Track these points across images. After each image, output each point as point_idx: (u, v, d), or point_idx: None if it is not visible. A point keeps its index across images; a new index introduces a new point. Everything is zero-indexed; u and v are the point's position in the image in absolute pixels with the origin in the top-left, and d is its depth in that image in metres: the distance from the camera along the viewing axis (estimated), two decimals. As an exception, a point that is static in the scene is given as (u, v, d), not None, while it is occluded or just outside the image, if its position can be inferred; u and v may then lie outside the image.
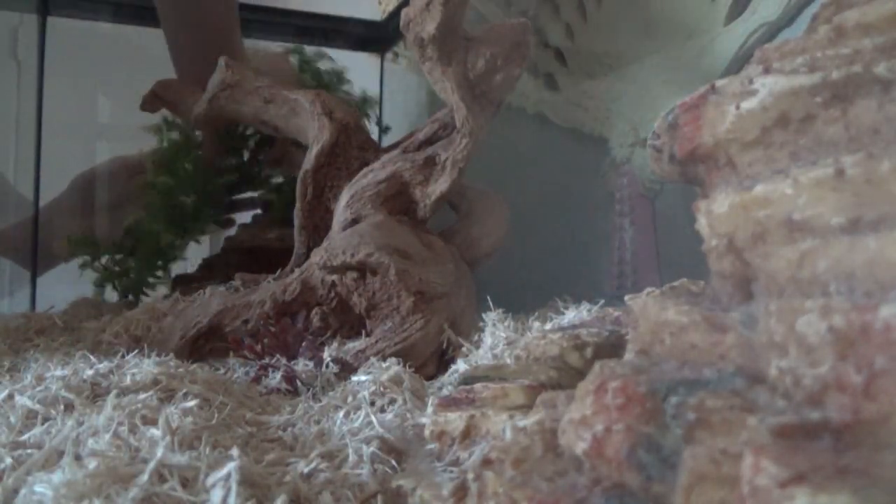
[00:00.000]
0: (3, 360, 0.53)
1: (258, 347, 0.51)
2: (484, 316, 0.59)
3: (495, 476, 0.23)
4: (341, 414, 0.39)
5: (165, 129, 0.88)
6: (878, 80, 0.22)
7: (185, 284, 0.84)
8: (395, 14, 1.13)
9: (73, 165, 1.08)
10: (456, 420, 0.32)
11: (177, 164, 0.84)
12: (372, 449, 0.33)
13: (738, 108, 0.24)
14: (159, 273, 0.85)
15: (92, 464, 0.28)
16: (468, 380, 0.36)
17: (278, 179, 0.91)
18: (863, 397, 0.18)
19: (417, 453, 0.33)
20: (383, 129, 1.03)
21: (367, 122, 0.99)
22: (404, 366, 0.47)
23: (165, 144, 0.87)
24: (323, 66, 0.99)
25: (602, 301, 0.61)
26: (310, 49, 1.01)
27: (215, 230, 0.88)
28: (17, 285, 1.02)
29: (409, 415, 0.39)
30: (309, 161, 0.67)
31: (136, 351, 0.56)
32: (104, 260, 0.86)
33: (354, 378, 0.46)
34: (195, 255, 0.90)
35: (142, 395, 0.37)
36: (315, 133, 0.68)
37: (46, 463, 0.30)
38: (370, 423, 0.37)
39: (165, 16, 0.86)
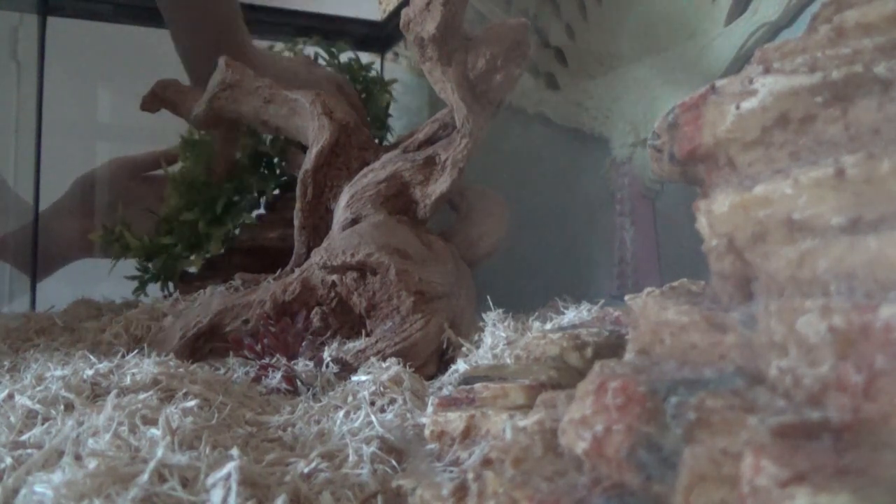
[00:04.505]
0: (3, 360, 0.53)
1: (258, 347, 0.51)
2: (484, 316, 0.59)
3: (495, 476, 0.23)
4: (341, 414, 0.39)
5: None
6: (878, 79, 0.22)
7: (186, 284, 0.84)
8: (395, 14, 1.13)
9: (73, 166, 1.08)
10: (456, 420, 0.32)
11: (208, 157, 0.86)
12: (372, 449, 0.33)
13: (738, 108, 0.24)
14: (193, 257, 0.85)
15: (92, 464, 0.28)
16: (468, 380, 0.36)
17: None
18: (863, 397, 0.18)
19: (417, 453, 0.33)
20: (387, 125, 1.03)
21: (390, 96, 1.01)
22: (404, 366, 0.47)
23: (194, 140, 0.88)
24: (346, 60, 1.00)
25: (602, 301, 0.60)
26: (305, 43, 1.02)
27: (251, 220, 0.88)
28: (17, 288, 1.02)
29: (409, 415, 0.39)
30: (309, 161, 0.67)
31: (136, 351, 0.56)
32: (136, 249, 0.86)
33: (354, 378, 0.46)
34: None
35: (142, 395, 0.37)
36: (315, 133, 0.68)
37: (46, 463, 0.30)
38: (370, 423, 0.37)
39: (170, 19, 0.86)
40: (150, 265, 0.86)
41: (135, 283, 0.87)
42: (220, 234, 0.85)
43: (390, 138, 1.02)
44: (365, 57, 1.15)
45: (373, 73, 1.02)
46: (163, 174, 0.94)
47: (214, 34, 0.84)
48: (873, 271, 0.19)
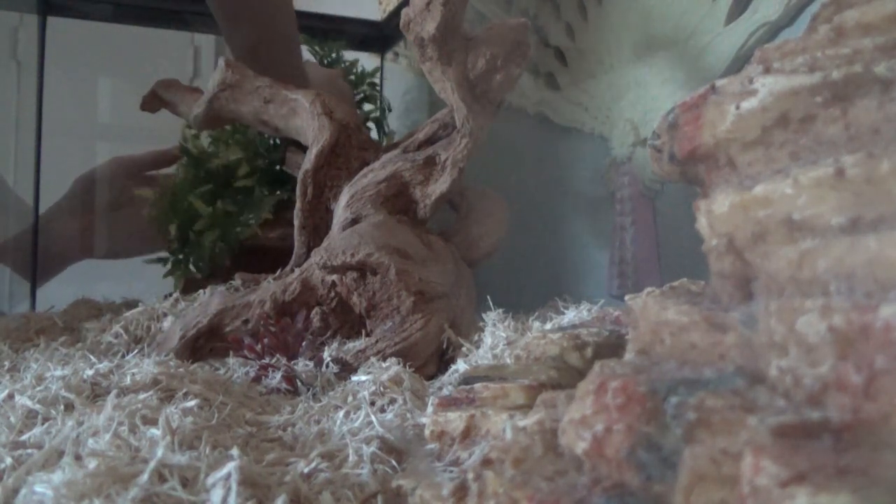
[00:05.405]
0: (3, 360, 0.53)
1: (258, 347, 0.51)
2: (484, 316, 0.59)
3: (495, 476, 0.23)
4: (341, 414, 0.39)
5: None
6: (878, 79, 0.22)
7: (186, 283, 0.84)
8: (395, 14, 1.13)
9: (73, 166, 1.08)
10: (456, 420, 0.32)
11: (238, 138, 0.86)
12: (372, 449, 0.33)
13: (738, 107, 0.24)
14: (252, 220, 0.85)
15: (92, 464, 0.28)
16: (468, 380, 0.36)
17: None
18: (863, 397, 0.18)
19: (417, 453, 0.33)
20: (385, 118, 1.03)
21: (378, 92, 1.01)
22: (404, 366, 0.47)
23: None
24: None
25: (602, 301, 0.61)
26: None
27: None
28: (16, 289, 1.02)
29: (409, 415, 0.39)
30: (309, 161, 0.67)
31: (136, 351, 0.56)
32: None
33: (354, 378, 0.46)
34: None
35: (142, 395, 0.37)
36: (315, 133, 0.68)
37: (46, 463, 0.30)
38: (370, 422, 0.37)
39: (225, 20, 0.86)
40: (207, 238, 0.85)
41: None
42: (271, 200, 0.84)
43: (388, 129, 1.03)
44: (365, 57, 1.15)
45: (360, 69, 1.03)
46: (164, 174, 0.94)
47: (274, 34, 0.84)
48: (873, 271, 0.19)
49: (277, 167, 0.88)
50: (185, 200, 0.86)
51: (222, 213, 0.85)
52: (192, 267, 0.87)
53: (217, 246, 0.84)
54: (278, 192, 0.86)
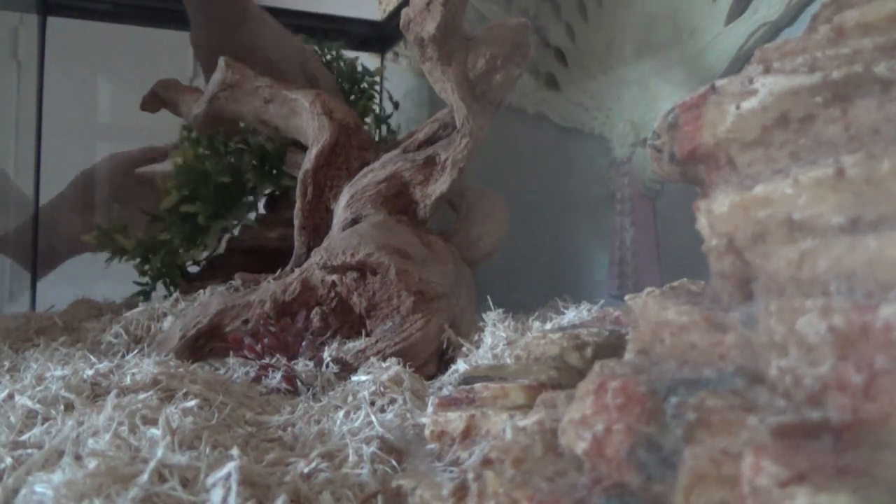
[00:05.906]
0: (3, 360, 0.53)
1: (258, 347, 0.51)
2: (484, 316, 0.59)
3: (495, 476, 0.23)
4: (341, 414, 0.39)
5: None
6: (878, 79, 0.22)
7: (186, 284, 0.84)
8: (395, 14, 1.13)
9: (73, 165, 1.08)
10: (456, 420, 0.32)
11: (215, 146, 0.85)
12: (372, 449, 0.33)
13: (738, 107, 0.24)
14: (196, 251, 0.84)
15: (92, 463, 0.28)
16: (468, 380, 0.36)
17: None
18: (863, 397, 0.18)
19: (417, 453, 0.33)
20: (387, 118, 1.03)
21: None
22: (404, 366, 0.47)
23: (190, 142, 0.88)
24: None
25: (602, 301, 0.61)
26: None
27: (250, 222, 0.87)
28: (16, 288, 1.02)
29: (409, 415, 0.39)
30: (309, 161, 0.67)
31: (136, 351, 0.56)
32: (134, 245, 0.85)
33: (354, 378, 0.46)
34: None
35: (142, 395, 0.37)
36: (315, 133, 0.68)
37: (46, 463, 0.30)
38: (370, 422, 0.37)
39: (192, 17, 0.86)
40: (147, 268, 0.85)
41: (137, 288, 0.86)
42: (217, 227, 0.84)
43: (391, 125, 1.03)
44: (365, 57, 1.15)
45: (359, 69, 1.02)
46: (158, 170, 0.95)
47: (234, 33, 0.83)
48: (873, 271, 0.19)
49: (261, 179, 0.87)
50: (114, 240, 0.85)
51: (152, 241, 0.84)
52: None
53: (165, 269, 0.84)
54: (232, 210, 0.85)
